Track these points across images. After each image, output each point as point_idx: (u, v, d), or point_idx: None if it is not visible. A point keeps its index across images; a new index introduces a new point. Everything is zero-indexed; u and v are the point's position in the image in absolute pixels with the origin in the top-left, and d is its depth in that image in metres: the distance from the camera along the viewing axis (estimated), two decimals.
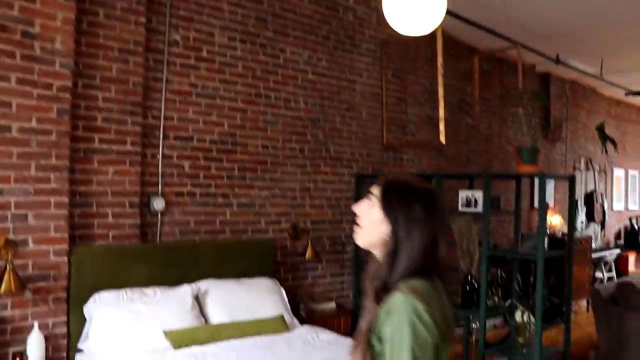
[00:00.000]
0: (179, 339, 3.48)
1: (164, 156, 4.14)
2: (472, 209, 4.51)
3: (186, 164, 4.26)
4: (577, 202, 8.42)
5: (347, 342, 3.49)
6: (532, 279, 4.36)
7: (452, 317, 1.57)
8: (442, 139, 4.94)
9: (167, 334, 3.47)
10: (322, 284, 5.18)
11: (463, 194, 4.60)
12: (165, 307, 3.62)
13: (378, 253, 1.60)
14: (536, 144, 4.34)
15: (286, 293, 4.37)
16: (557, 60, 7.01)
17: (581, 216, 8.73)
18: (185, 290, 3.80)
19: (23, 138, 3.35)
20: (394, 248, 1.53)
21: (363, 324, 1.55)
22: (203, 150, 4.35)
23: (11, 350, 3.33)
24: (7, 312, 3.32)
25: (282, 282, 4.53)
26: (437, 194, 1.61)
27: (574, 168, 8.87)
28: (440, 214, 1.58)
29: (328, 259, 5.22)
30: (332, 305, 5.06)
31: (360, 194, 5.34)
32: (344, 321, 4.86)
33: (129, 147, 3.87)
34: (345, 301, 5.38)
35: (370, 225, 1.59)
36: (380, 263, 1.57)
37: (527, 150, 4.21)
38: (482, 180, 4.32)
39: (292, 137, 4.92)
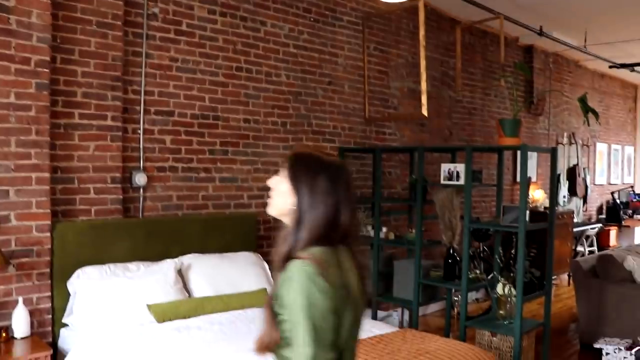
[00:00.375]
0: (163, 313, 3.51)
1: (145, 131, 4.13)
2: (454, 182, 4.54)
3: (167, 138, 4.25)
4: (559, 176, 8.51)
5: None
6: (513, 251, 4.41)
7: (359, 284, 1.63)
8: (425, 111, 4.95)
9: (151, 308, 3.50)
10: None
11: (445, 167, 4.62)
12: (149, 281, 3.64)
13: (288, 223, 1.66)
14: (518, 116, 4.37)
15: (269, 267, 4.40)
16: (541, 32, 7.01)
17: (564, 190, 8.81)
18: (169, 265, 3.81)
19: (1, 113, 3.32)
20: (298, 218, 1.60)
21: (270, 291, 1.63)
22: (184, 125, 4.33)
23: None
24: None
25: (265, 257, 4.56)
26: (343, 167, 1.68)
27: (557, 142, 8.94)
28: (345, 186, 1.63)
29: None
30: None
31: None
32: None
33: (109, 122, 3.85)
34: None
35: (279, 196, 1.67)
36: (286, 232, 1.63)
37: (509, 122, 4.23)
38: (464, 154, 4.35)
39: (274, 111, 4.91)
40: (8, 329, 3.32)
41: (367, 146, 5.68)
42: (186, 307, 3.63)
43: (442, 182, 4.61)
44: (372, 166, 5.63)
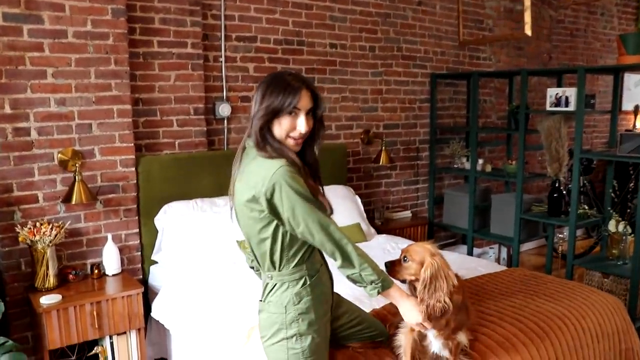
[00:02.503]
0: None
1: (226, 59, 3.89)
2: (562, 108, 4.07)
3: (250, 66, 3.99)
4: None
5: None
6: (631, 185, 3.95)
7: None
8: (528, 30, 4.42)
9: (241, 244, 3.33)
10: (396, 192, 4.94)
11: (552, 92, 4.15)
12: None
13: None
14: None
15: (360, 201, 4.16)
16: None
17: None
18: None
19: (79, 43, 3.16)
20: None
21: None
22: (267, 51, 4.06)
23: (89, 262, 3.30)
24: (82, 224, 3.28)
25: (355, 190, 4.32)
26: (269, 84, 1.87)
27: None
28: (268, 101, 1.86)
29: (402, 166, 4.95)
30: (407, 214, 4.83)
31: (435, 95, 4.95)
32: (421, 230, 4.64)
33: (189, 49, 3.62)
34: (421, 210, 5.13)
35: None
36: None
37: (634, 37, 3.67)
38: (569, 79, 3.83)
39: (362, 35, 4.55)
40: (100, 265, 3.27)
41: (461, 72, 5.22)
42: None
43: (548, 108, 4.15)
44: (466, 94, 5.19)
